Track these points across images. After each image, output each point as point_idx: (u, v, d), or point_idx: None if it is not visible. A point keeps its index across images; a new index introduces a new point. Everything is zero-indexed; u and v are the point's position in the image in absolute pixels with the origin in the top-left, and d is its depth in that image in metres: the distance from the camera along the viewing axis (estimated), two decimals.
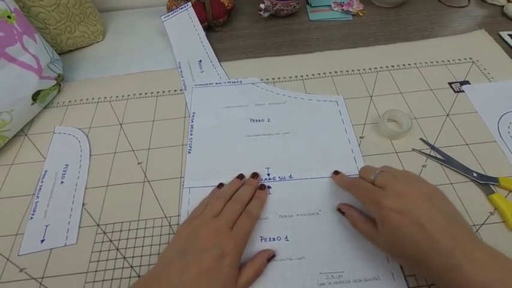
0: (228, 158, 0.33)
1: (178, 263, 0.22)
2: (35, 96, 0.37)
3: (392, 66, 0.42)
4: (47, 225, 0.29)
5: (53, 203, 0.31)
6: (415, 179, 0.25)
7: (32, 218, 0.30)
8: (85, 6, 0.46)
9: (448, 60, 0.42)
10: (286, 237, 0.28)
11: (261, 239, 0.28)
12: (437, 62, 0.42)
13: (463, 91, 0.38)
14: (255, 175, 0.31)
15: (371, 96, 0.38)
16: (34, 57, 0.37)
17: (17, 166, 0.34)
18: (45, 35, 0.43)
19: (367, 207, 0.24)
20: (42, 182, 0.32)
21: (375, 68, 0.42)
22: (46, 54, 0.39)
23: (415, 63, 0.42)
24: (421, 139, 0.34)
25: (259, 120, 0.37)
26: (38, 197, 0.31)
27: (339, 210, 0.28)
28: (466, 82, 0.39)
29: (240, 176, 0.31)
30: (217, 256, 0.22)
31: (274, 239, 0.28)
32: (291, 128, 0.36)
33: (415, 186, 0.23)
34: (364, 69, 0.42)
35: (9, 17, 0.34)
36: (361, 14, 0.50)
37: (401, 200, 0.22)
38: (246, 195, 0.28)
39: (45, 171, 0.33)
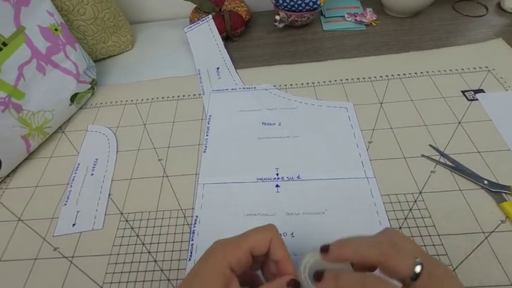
0: (240, 158, 0.36)
1: None
2: (73, 98, 0.42)
3: (404, 74, 0.43)
4: (78, 211, 0.33)
5: (83, 192, 0.35)
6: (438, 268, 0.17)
7: (65, 204, 0.34)
8: (118, 20, 0.51)
9: (462, 69, 0.42)
10: (292, 233, 0.29)
11: None
12: (450, 70, 0.42)
13: (476, 99, 0.38)
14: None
15: (381, 103, 0.39)
16: (74, 64, 0.42)
17: (55, 159, 0.39)
18: (83, 44, 0.48)
19: None
20: (75, 173, 0.36)
21: (386, 76, 0.43)
22: (84, 62, 0.44)
23: (427, 72, 0.42)
24: (430, 145, 0.34)
25: (270, 124, 0.39)
26: (71, 186, 0.35)
27: None
28: (481, 90, 0.39)
29: None
30: None
31: (280, 234, 0.29)
32: (300, 132, 0.37)
33: None
34: (375, 77, 0.43)
35: (56, 29, 0.40)
36: (374, 24, 0.52)
37: None
38: None
39: (78, 164, 0.37)
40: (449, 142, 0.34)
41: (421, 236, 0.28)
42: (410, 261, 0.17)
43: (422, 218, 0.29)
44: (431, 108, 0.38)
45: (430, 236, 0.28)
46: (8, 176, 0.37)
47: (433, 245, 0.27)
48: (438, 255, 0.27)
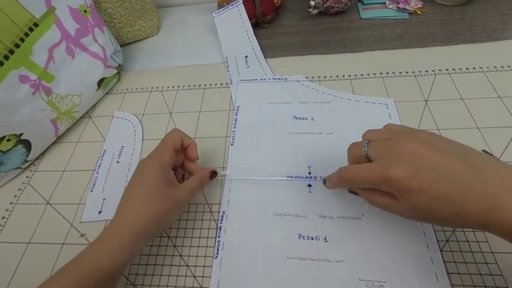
0: (269, 153, 0.34)
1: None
2: (100, 83, 0.41)
3: (453, 69, 0.38)
4: (104, 199, 0.33)
5: (109, 179, 0.34)
6: (407, 131, 0.22)
7: (92, 190, 0.33)
8: (145, 2, 0.49)
9: None
10: (325, 238, 0.27)
11: (299, 237, 0.28)
12: (508, 66, 0.37)
13: None
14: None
15: (426, 101, 0.36)
16: (102, 48, 0.41)
17: (81, 144, 0.39)
18: (110, 28, 0.47)
19: (378, 188, 0.21)
20: (102, 160, 0.36)
21: (433, 71, 0.39)
22: (111, 46, 0.43)
23: (480, 67, 0.38)
24: (483, 150, 0.31)
25: (302, 118, 0.36)
26: (97, 172, 0.35)
27: (351, 191, 0.25)
28: None
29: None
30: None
31: (312, 238, 0.27)
32: (335, 129, 0.35)
33: (411, 139, 0.20)
34: (419, 72, 0.39)
35: (85, 11, 0.39)
36: (419, 12, 0.47)
37: (409, 162, 0.19)
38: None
39: (105, 151, 0.37)
40: (506, 148, 0.31)
41: (472, 251, 0.25)
42: (360, 147, 0.23)
43: (473, 231, 0.26)
44: (485, 109, 0.34)
45: (482, 252, 0.25)
46: (37, 158, 0.38)
47: (486, 263, 0.25)
48: (492, 274, 0.24)
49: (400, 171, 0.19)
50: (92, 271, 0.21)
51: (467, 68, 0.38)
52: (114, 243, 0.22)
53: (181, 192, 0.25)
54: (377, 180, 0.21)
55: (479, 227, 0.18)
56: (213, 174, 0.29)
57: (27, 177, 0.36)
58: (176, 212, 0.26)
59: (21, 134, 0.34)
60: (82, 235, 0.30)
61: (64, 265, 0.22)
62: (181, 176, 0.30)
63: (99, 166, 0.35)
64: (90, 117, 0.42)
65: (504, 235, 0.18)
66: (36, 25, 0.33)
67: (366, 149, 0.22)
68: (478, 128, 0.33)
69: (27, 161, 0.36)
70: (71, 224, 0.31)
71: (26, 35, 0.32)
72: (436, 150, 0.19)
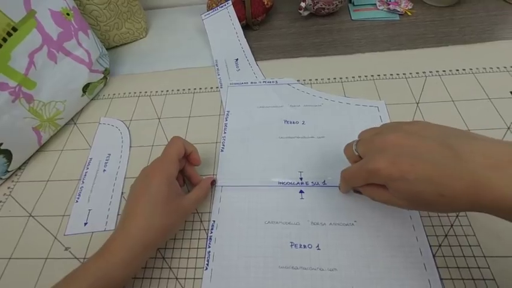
0: (260, 159, 0.33)
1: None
2: (85, 88, 0.40)
3: (444, 71, 0.38)
4: (89, 210, 0.31)
5: (95, 189, 0.33)
6: (392, 127, 0.23)
7: (77, 201, 0.32)
8: (132, 4, 0.48)
9: (511, 67, 0.37)
10: (318, 246, 0.27)
11: (291, 245, 0.27)
12: (497, 68, 0.38)
13: None
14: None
15: (417, 103, 0.36)
16: (86, 52, 0.39)
17: (66, 152, 0.37)
18: (96, 31, 0.46)
19: (372, 182, 0.22)
20: (88, 168, 0.35)
21: (423, 73, 0.39)
22: (96, 49, 0.41)
23: (470, 69, 0.38)
24: None
25: (293, 122, 0.36)
26: (83, 182, 0.34)
27: (355, 190, 0.26)
28: None
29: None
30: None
31: (305, 246, 0.27)
32: (326, 132, 0.34)
33: (395, 130, 0.21)
34: (410, 74, 0.39)
35: (68, 14, 0.37)
36: (409, 14, 0.47)
37: (388, 152, 0.20)
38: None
39: (90, 159, 0.36)
40: None
41: (464, 256, 0.25)
42: (351, 147, 0.24)
43: (465, 235, 0.26)
44: (476, 111, 0.34)
45: (474, 257, 0.25)
46: (19, 168, 0.36)
47: (478, 268, 0.24)
48: (484, 279, 0.24)
49: (379, 162, 0.20)
50: (100, 280, 0.21)
51: (457, 70, 0.38)
52: (125, 255, 0.22)
53: (187, 203, 0.26)
54: (365, 176, 0.21)
55: (468, 208, 0.18)
56: (213, 182, 0.31)
57: (8, 188, 0.35)
58: (182, 222, 0.28)
59: (1, 144, 0.32)
60: (66, 249, 0.29)
61: (69, 273, 0.22)
62: (183, 180, 0.31)
63: (85, 175, 0.34)
64: (75, 124, 0.40)
65: (493, 211, 0.18)
66: (14, 29, 0.32)
67: (355, 147, 0.23)
68: (468, 129, 0.32)
69: (8, 171, 0.35)
70: (55, 237, 0.30)
71: (4, 40, 0.31)
72: (418, 137, 0.20)
